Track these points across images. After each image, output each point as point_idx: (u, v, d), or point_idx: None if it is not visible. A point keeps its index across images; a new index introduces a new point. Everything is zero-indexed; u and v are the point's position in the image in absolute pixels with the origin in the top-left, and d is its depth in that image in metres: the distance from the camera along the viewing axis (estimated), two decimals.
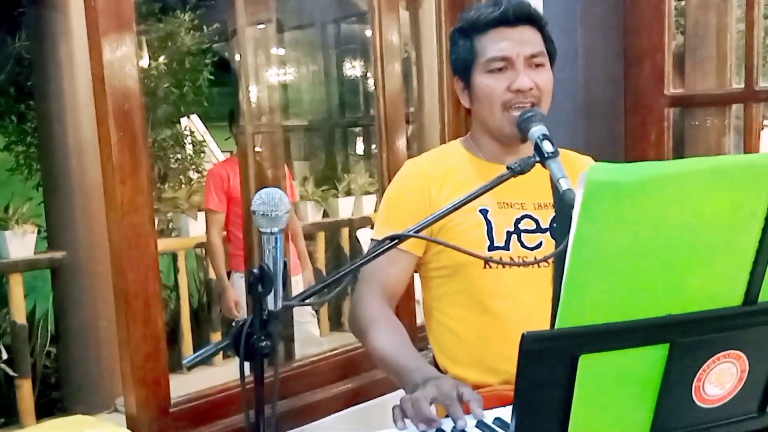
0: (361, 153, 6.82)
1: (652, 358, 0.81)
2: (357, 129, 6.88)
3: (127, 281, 1.48)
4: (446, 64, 2.33)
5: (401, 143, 2.06)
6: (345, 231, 5.58)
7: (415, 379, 1.28)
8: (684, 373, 0.82)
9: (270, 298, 1.09)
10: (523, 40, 1.48)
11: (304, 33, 6.82)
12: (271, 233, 1.07)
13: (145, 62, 5.36)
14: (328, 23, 6.62)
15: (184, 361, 1.09)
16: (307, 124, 6.73)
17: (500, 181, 1.29)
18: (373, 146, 6.53)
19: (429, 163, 1.58)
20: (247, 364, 1.09)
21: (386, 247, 1.21)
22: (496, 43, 1.48)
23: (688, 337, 0.81)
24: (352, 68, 6.69)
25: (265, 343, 1.09)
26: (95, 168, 2.56)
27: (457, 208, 1.25)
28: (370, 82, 6.45)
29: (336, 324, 5.61)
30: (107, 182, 1.47)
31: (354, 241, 5.46)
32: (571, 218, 1.49)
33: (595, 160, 1.61)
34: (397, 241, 1.22)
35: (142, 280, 1.50)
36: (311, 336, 3.88)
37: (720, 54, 2.27)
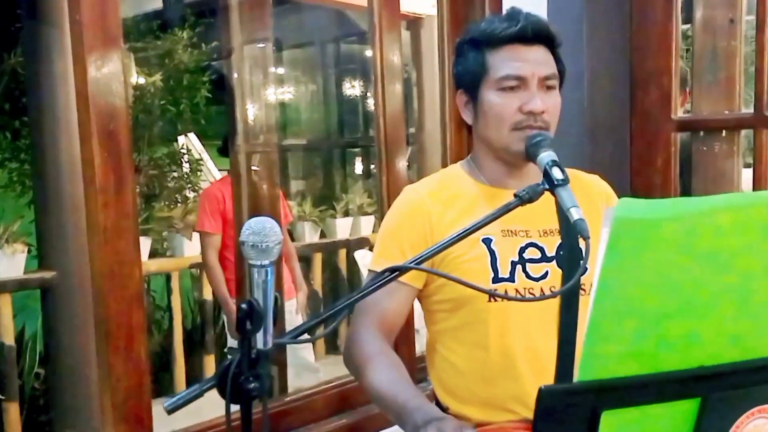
0: (359, 173, 6.75)
1: (681, 414, 0.73)
2: (355, 149, 6.81)
3: (108, 311, 1.40)
4: (449, 84, 2.26)
5: (402, 165, 1.99)
6: (342, 252, 5.50)
7: (415, 420, 1.20)
8: (716, 431, 0.74)
9: (259, 335, 1.01)
10: (539, 61, 1.41)
11: (302, 52, 6.77)
12: (261, 266, 0.99)
13: (141, 79, 5.30)
14: (327, 42, 6.58)
15: (165, 405, 1.00)
16: (305, 144, 6.67)
17: (507, 210, 1.21)
18: (372, 166, 6.46)
19: (429, 190, 1.50)
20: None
21: (385, 279, 1.13)
22: (510, 61, 1.41)
23: (722, 391, 0.73)
24: (351, 88, 6.65)
25: (253, 384, 1.01)
26: None
27: (461, 238, 1.17)
28: (369, 102, 6.40)
29: (332, 347, 5.51)
30: (89, 205, 1.40)
31: (351, 262, 5.38)
32: (579, 246, 1.42)
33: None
34: (396, 273, 1.14)
35: (125, 310, 1.42)
36: (306, 362, 3.78)
37: (728, 78, 2.20)
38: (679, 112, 2.22)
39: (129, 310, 1.42)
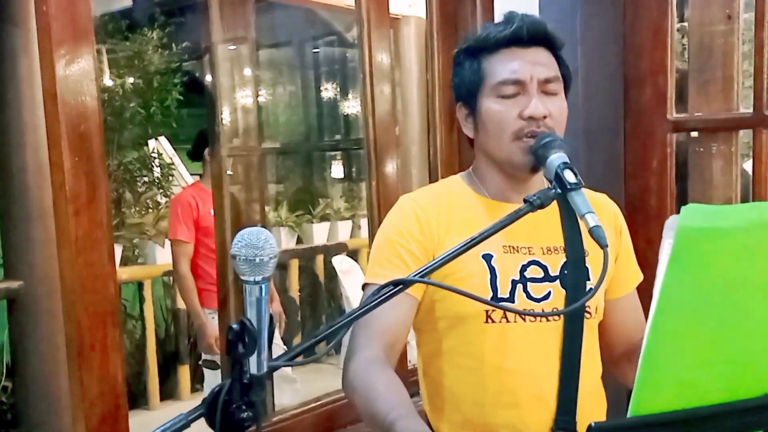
0: (337, 177, 6.64)
1: None
2: (333, 152, 6.71)
3: (81, 329, 1.28)
4: (439, 86, 2.17)
5: (392, 168, 1.89)
6: (320, 258, 5.39)
7: None
8: None
9: (253, 359, 0.90)
10: (538, 62, 1.31)
11: (278, 52, 6.65)
12: (255, 282, 0.88)
13: (109, 81, 5.14)
14: (305, 42, 6.46)
15: None
16: (280, 147, 6.54)
17: (517, 217, 1.12)
18: (352, 169, 6.35)
19: (427, 199, 1.39)
20: None
21: (389, 294, 1.03)
22: (507, 64, 1.31)
23: None
24: (329, 90, 6.54)
25: (246, 413, 0.90)
26: None
27: (467, 249, 1.07)
28: (349, 104, 6.30)
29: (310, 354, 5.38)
30: (59, 214, 1.28)
31: (329, 268, 5.28)
32: (585, 266, 1.32)
33: (595, 190, 1.45)
34: (401, 287, 1.04)
35: (99, 327, 1.30)
36: (283, 374, 3.66)
37: (726, 77, 2.13)
38: (674, 113, 2.15)
39: (103, 328, 1.30)
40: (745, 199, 2.14)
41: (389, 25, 1.99)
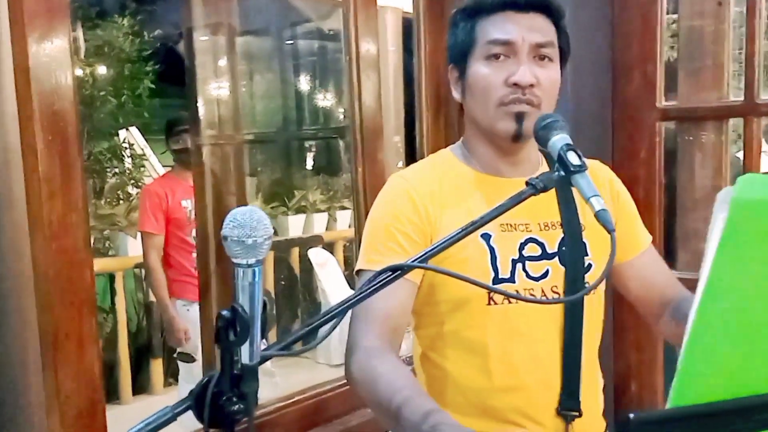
0: (312, 168, 6.56)
1: None
2: (310, 143, 6.63)
3: (55, 318, 1.20)
4: (425, 72, 2.12)
5: (380, 156, 1.84)
6: (295, 251, 5.32)
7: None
8: None
9: (245, 348, 0.84)
10: (533, 27, 1.26)
11: (258, 40, 6.55)
12: (248, 265, 0.82)
13: (78, 70, 5.01)
14: (283, 29, 6.37)
15: None
16: (256, 137, 6.45)
17: (519, 200, 1.07)
18: (327, 161, 6.27)
19: (420, 177, 1.34)
20: None
21: (387, 279, 0.97)
22: (500, 26, 1.26)
23: None
24: (307, 78, 6.45)
25: (237, 406, 0.84)
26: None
27: (470, 231, 1.02)
28: (325, 94, 6.21)
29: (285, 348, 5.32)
30: (31, 197, 1.20)
31: (305, 261, 5.20)
32: (583, 241, 1.28)
33: None
34: (398, 273, 0.99)
35: (75, 316, 1.23)
36: (262, 367, 3.58)
37: (716, 64, 2.10)
38: (663, 101, 2.11)
39: (79, 318, 1.23)
40: None
41: (376, 8, 1.93)
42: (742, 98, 2.00)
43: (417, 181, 1.32)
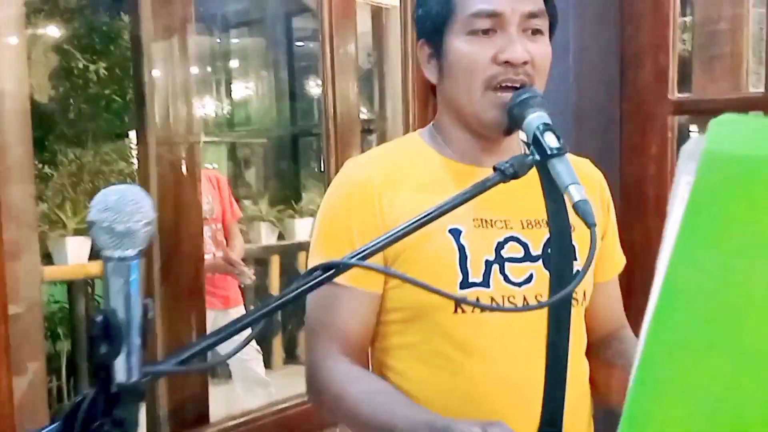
0: (320, 170, 6.42)
1: None
2: (316, 144, 6.51)
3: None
4: (412, 68, 1.98)
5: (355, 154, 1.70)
6: (302, 255, 5.18)
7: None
8: None
9: (120, 362, 0.68)
10: None
11: (252, 39, 6.44)
12: (121, 259, 0.66)
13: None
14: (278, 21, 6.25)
15: None
16: (257, 138, 6.34)
17: (485, 188, 0.90)
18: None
19: (376, 164, 1.16)
20: None
21: (317, 280, 0.80)
22: None
23: None
24: (309, 79, 6.33)
25: None
26: None
27: (422, 224, 0.85)
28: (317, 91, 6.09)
29: (290, 356, 5.21)
30: None
31: None
32: (572, 243, 1.11)
33: None
34: (333, 271, 0.81)
35: None
36: (255, 376, 3.45)
37: (734, 53, 1.92)
38: (675, 93, 1.94)
39: None
40: None
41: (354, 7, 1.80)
42: (762, 89, 1.82)
43: (373, 167, 1.15)
